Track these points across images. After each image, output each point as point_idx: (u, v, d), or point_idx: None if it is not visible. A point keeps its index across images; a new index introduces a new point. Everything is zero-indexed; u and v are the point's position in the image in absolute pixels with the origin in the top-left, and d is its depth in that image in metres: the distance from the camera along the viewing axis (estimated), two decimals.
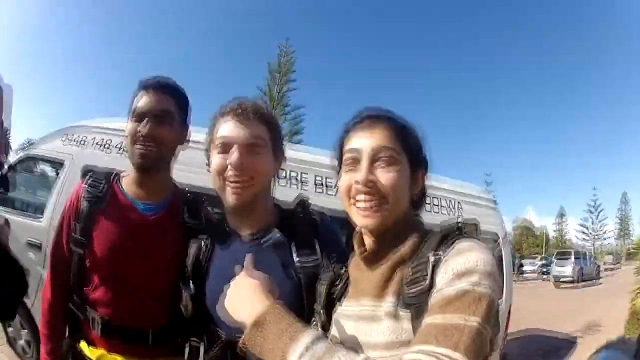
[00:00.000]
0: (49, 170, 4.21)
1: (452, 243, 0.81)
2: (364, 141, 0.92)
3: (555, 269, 23.75)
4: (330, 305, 1.03)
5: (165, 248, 1.36)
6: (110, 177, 1.44)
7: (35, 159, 4.16)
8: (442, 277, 0.76)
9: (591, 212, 67.10)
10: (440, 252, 0.80)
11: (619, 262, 40.26)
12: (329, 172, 3.21)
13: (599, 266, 27.82)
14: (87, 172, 1.49)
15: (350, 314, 0.94)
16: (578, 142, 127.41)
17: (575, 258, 23.69)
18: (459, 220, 0.90)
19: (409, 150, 0.93)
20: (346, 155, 0.95)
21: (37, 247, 3.38)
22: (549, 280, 24.59)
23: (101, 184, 1.41)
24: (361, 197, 0.90)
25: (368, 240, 0.95)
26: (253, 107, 1.20)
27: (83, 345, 1.36)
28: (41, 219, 3.56)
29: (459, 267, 0.74)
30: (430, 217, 3.44)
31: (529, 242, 72.73)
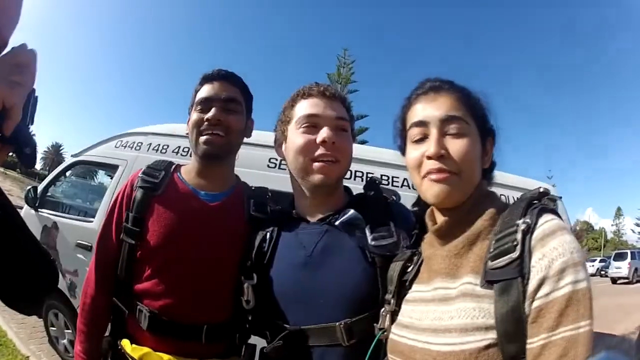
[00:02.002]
0: (100, 174, 4.31)
1: (539, 212, 0.75)
2: (430, 112, 0.87)
3: (613, 270, 23.89)
4: (401, 292, 0.97)
5: (226, 237, 1.27)
6: (170, 167, 1.39)
7: (86, 164, 4.26)
8: (542, 268, 0.68)
9: None
10: (529, 220, 0.73)
11: None
12: None
13: None
14: None
15: (421, 298, 0.89)
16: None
17: (631, 258, 23.47)
18: (541, 188, 0.82)
19: (477, 118, 0.88)
20: (413, 130, 0.89)
21: (88, 248, 3.43)
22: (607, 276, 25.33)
23: (159, 172, 1.35)
24: (434, 171, 0.85)
25: (440, 216, 0.90)
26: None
27: (125, 342, 1.25)
28: (92, 221, 3.61)
29: (558, 260, 0.67)
30: None
31: (589, 243, 72.56)
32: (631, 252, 24.40)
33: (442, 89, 0.89)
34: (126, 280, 1.28)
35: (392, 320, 0.94)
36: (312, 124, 1.13)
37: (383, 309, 0.98)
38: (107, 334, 1.33)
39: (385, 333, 0.94)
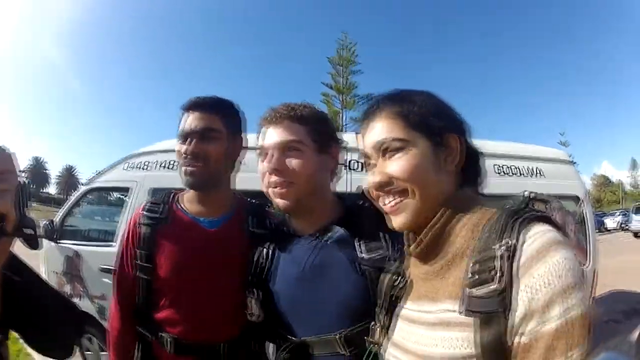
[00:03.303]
0: (113, 198, 4.36)
1: (525, 227, 0.68)
2: (368, 142, 0.85)
3: (634, 223, 23.36)
4: (391, 306, 0.93)
5: (231, 259, 1.33)
6: (169, 198, 1.44)
7: (99, 190, 4.32)
8: (525, 302, 0.63)
9: None
10: (510, 240, 0.66)
11: None
12: None
13: None
14: (155, 194, 1.49)
15: (407, 316, 0.85)
16: None
17: None
18: (528, 193, 0.77)
19: (421, 125, 0.81)
20: (364, 161, 0.89)
21: (112, 272, 3.49)
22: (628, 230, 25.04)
23: (160, 206, 1.41)
24: (383, 199, 0.84)
25: (417, 236, 0.84)
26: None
27: None
28: (113, 245, 3.68)
29: (543, 291, 0.62)
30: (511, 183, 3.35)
31: (608, 197, 72.44)
32: None
33: (373, 113, 0.86)
34: (146, 310, 1.36)
35: (386, 333, 0.93)
36: (264, 154, 1.19)
37: (373, 323, 0.98)
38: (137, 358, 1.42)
39: (381, 346, 0.94)
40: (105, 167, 4.09)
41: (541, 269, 0.63)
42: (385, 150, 0.81)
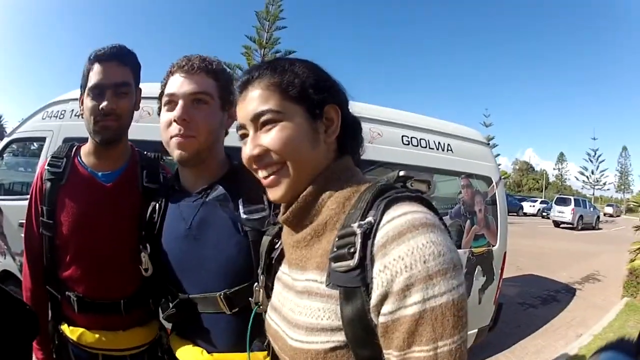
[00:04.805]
0: (34, 149, 4.14)
1: (387, 205, 0.66)
2: (243, 114, 0.80)
3: (555, 213, 24.01)
4: (271, 268, 0.94)
5: (125, 214, 1.35)
6: (71, 152, 1.42)
7: (18, 141, 4.09)
8: (383, 282, 0.61)
9: (591, 161, 69.07)
10: (372, 219, 0.65)
11: (618, 215, 41.65)
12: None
13: (599, 216, 27.57)
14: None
15: (284, 281, 0.85)
16: (580, 89, 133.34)
17: (575, 205, 23.39)
18: (402, 173, 0.74)
19: (298, 98, 0.77)
20: (239, 132, 0.83)
21: None
22: (548, 218, 25.75)
23: (61, 161, 1.39)
24: (260, 172, 0.80)
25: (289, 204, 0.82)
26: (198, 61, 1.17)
27: (64, 327, 1.38)
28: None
29: (402, 275, 0.59)
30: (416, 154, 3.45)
31: (530, 183, 75.88)
32: (575, 199, 24.36)
33: (248, 83, 0.80)
34: (52, 269, 1.37)
35: (268, 295, 0.93)
36: (171, 102, 1.15)
37: (256, 284, 0.99)
38: (50, 318, 1.43)
39: (262, 307, 0.96)
40: (27, 116, 3.83)
41: (400, 250, 0.61)
42: (261, 121, 0.77)
